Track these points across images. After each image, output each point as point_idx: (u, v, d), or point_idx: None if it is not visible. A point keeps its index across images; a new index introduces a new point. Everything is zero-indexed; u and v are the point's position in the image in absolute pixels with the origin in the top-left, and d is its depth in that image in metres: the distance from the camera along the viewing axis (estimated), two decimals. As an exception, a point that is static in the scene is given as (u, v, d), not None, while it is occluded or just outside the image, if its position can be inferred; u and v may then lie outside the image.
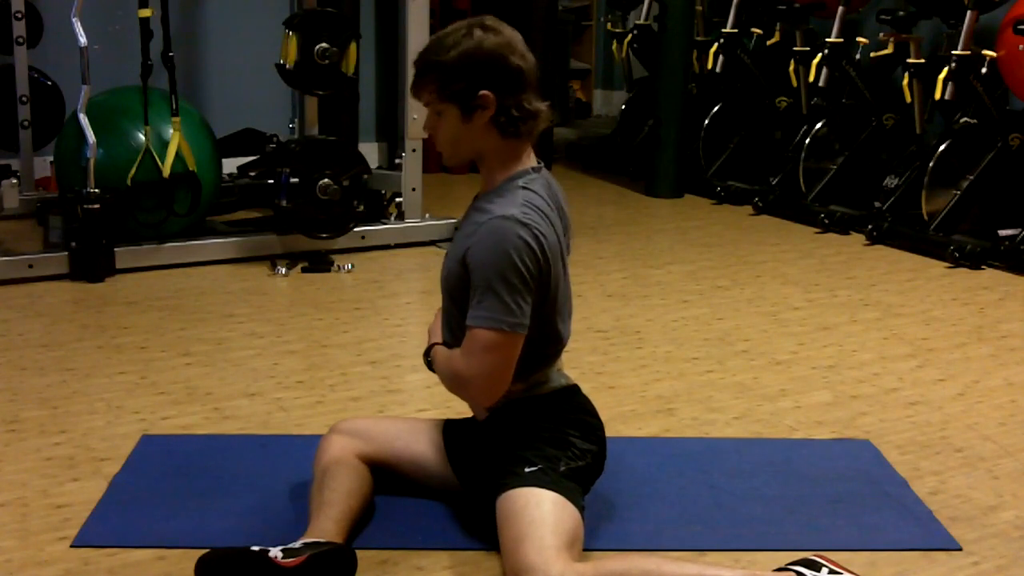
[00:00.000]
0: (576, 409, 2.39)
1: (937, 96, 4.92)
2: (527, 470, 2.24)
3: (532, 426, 2.32)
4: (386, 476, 2.47)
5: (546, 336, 2.31)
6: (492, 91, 2.21)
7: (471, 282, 2.21)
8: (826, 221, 5.38)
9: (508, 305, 2.17)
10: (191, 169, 4.41)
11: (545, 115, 2.29)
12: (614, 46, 6.90)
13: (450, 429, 2.49)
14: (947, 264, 4.78)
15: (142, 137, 4.34)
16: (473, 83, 2.20)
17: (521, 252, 2.17)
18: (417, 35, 4.79)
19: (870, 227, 5.15)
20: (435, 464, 2.46)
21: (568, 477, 2.26)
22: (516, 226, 2.18)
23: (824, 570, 2.14)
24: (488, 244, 2.18)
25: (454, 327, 2.34)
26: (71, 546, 2.31)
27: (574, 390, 2.42)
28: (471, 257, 2.20)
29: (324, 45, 4.40)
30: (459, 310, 2.29)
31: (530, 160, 2.31)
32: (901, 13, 5.27)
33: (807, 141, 5.63)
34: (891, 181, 5.29)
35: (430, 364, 2.42)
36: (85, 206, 4.20)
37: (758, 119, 6.16)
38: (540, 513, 2.14)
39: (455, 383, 2.33)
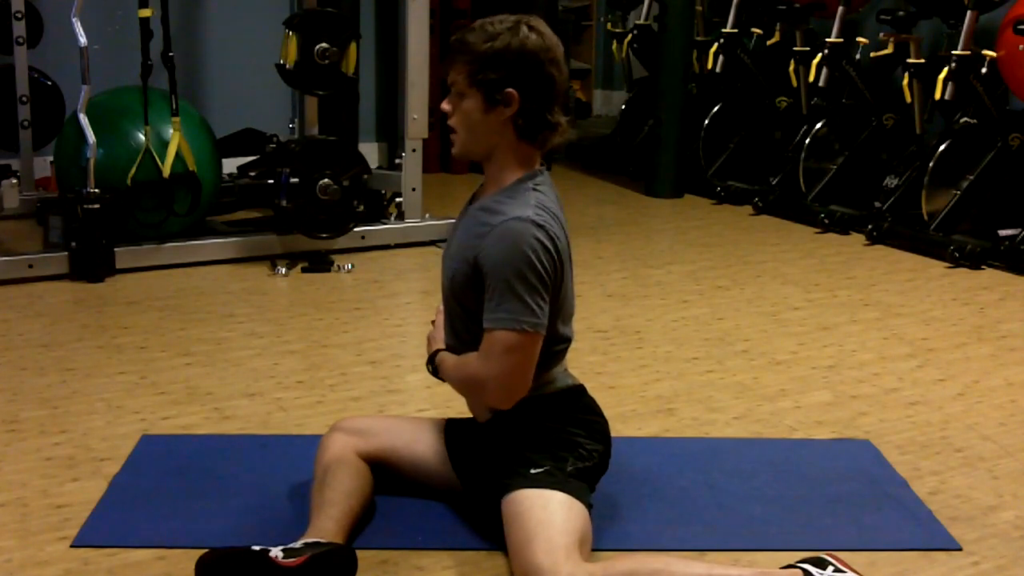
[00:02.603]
0: (583, 410, 2.39)
1: (937, 96, 4.93)
2: (533, 471, 2.24)
3: (538, 427, 2.32)
4: (386, 476, 2.47)
5: (550, 338, 2.30)
6: (519, 91, 2.21)
7: (486, 284, 2.20)
8: (826, 221, 5.38)
9: (528, 305, 2.17)
10: (191, 169, 4.41)
11: (563, 130, 2.29)
12: (614, 46, 6.89)
13: (452, 429, 2.48)
14: (947, 264, 4.78)
15: (142, 137, 4.34)
16: (504, 78, 2.20)
17: (539, 252, 2.17)
18: (417, 35, 4.79)
19: (870, 227, 5.16)
20: (436, 463, 2.46)
21: (575, 477, 2.26)
22: (532, 227, 2.17)
23: (830, 568, 2.15)
24: (505, 245, 2.17)
25: (460, 330, 2.33)
26: (71, 546, 2.31)
27: (580, 390, 2.42)
28: (485, 259, 2.20)
29: (324, 45, 4.40)
30: (466, 313, 2.29)
31: (537, 162, 2.32)
32: (901, 13, 5.27)
33: (807, 141, 5.63)
34: (891, 181, 5.29)
35: (435, 372, 2.41)
36: (85, 206, 4.20)
37: (758, 119, 6.16)
38: (548, 513, 2.14)
39: (471, 387, 2.33)
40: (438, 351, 2.40)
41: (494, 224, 2.21)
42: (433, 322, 2.49)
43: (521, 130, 2.25)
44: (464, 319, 2.30)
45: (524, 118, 2.23)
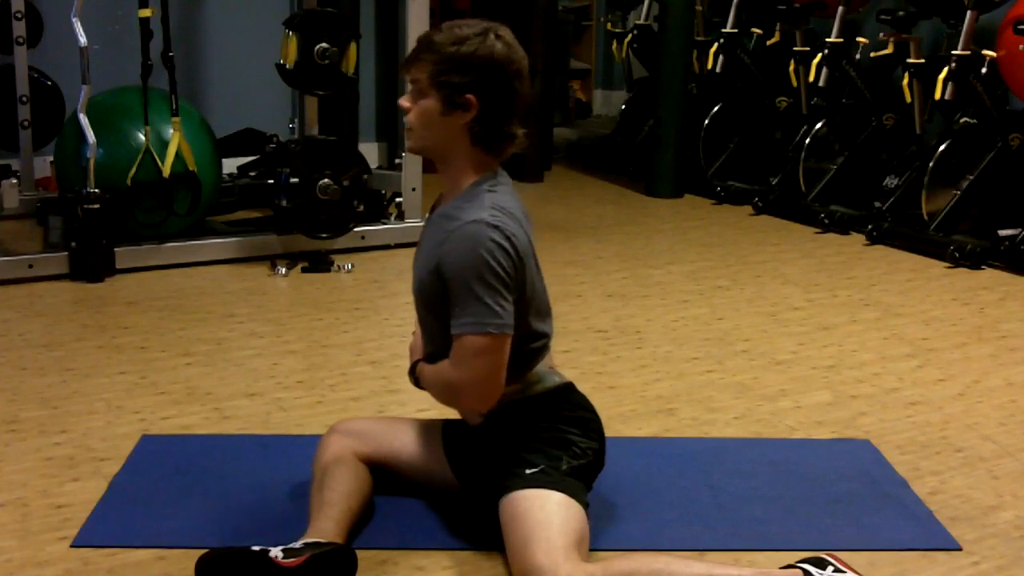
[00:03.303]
0: (574, 407, 2.39)
1: (937, 96, 4.93)
2: (528, 471, 2.24)
3: (531, 427, 2.32)
4: (386, 476, 2.47)
5: (524, 335, 2.30)
6: (479, 98, 2.21)
7: (449, 290, 2.21)
8: (826, 221, 5.38)
9: (491, 307, 2.17)
10: (191, 169, 4.41)
11: (520, 142, 2.29)
12: (614, 46, 6.90)
13: (449, 430, 2.48)
14: (947, 264, 4.78)
15: (142, 137, 4.34)
16: (466, 83, 2.20)
17: (496, 254, 2.17)
18: (417, 35, 4.77)
19: (870, 227, 5.16)
20: (434, 465, 2.46)
21: (571, 475, 2.26)
22: (487, 229, 2.18)
23: (829, 568, 2.15)
24: (462, 250, 2.18)
25: (436, 337, 2.34)
26: (71, 546, 2.31)
27: (569, 388, 2.42)
28: (446, 265, 2.21)
29: (324, 45, 4.40)
30: (437, 320, 2.30)
31: (492, 166, 2.32)
32: (901, 13, 5.27)
33: (807, 141, 5.63)
34: (891, 181, 5.30)
35: (416, 381, 2.42)
36: (85, 206, 4.20)
37: (758, 119, 6.16)
38: (545, 514, 2.15)
39: (449, 394, 2.34)
40: (418, 361, 2.41)
41: (452, 230, 2.22)
42: (415, 332, 2.50)
43: (476, 137, 2.25)
44: (438, 327, 2.31)
45: (481, 126, 2.23)
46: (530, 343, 2.33)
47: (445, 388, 2.32)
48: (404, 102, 2.29)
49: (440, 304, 2.25)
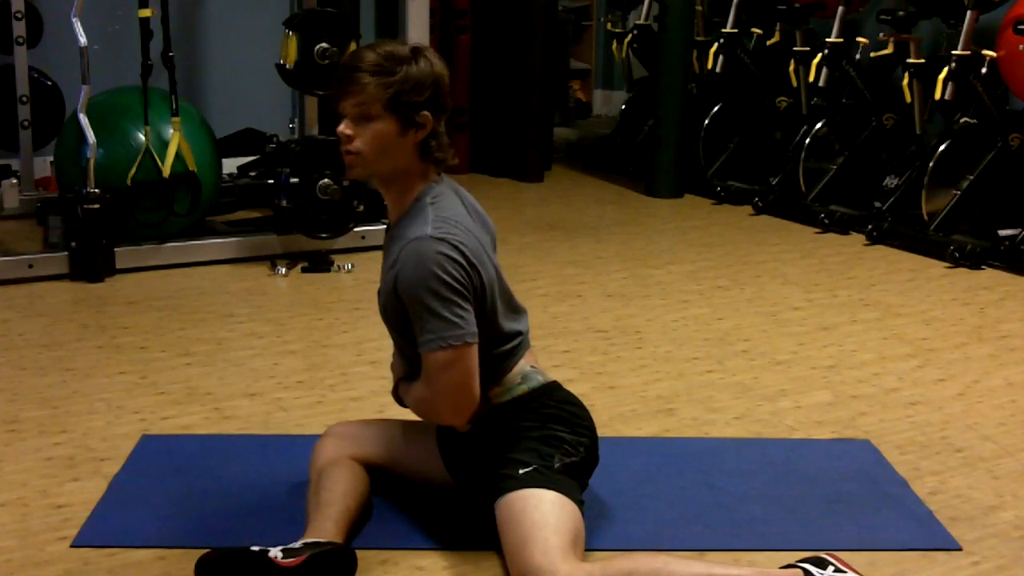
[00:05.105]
0: (560, 404, 2.39)
1: (937, 96, 4.92)
2: (522, 471, 2.24)
3: (519, 428, 2.33)
4: (384, 477, 2.48)
5: (495, 338, 2.31)
6: (432, 114, 2.25)
7: (408, 310, 2.23)
8: (826, 221, 5.38)
9: (448, 320, 2.19)
10: (191, 169, 4.41)
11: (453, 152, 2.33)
12: (614, 46, 6.89)
13: (443, 431, 2.48)
14: (947, 264, 4.78)
15: (142, 137, 4.34)
16: (422, 102, 2.23)
17: (444, 265, 2.18)
18: (417, 35, 4.78)
19: (870, 227, 5.15)
20: (429, 467, 2.46)
21: (564, 473, 2.27)
22: (432, 243, 2.19)
23: (830, 568, 2.15)
24: (410, 268, 2.20)
25: (409, 357, 2.36)
26: (71, 546, 2.31)
27: (554, 386, 2.42)
28: (400, 286, 2.23)
29: (324, 45, 4.40)
30: (406, 340, 2.32)
31: (432, 175, 2.33)
32: (901, 13, 5.27)
33: (807, 141, 5.63)
34: (891, 181, 5.29)
35: (401, 401, 2.44)
36: (85, 206, 4.20)
37: (758, 119, 6.16)
38: (541, 514, 2.15)
39: (426, 411, 2.36)
40: (400, 380, 2.43)
41: (399, 250, 2.24)
42: (394, 353, 2.51)
43: (428, 151, 2.27)
44: (408, 346, 2.33)
45: (435, 140, 2.27)
46: (504, 344, 2.35)
47: (421, 406, 2.35)
48: (347, 130, 2.26)
49: (404, 325, 2.28)
